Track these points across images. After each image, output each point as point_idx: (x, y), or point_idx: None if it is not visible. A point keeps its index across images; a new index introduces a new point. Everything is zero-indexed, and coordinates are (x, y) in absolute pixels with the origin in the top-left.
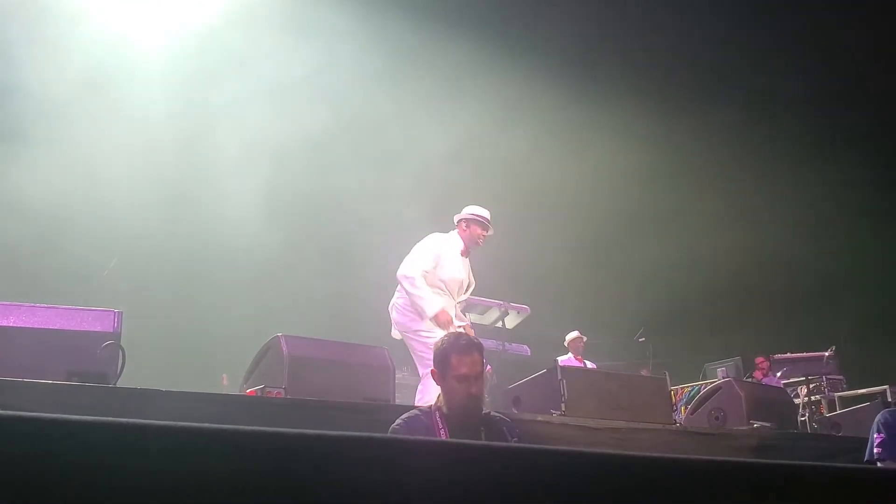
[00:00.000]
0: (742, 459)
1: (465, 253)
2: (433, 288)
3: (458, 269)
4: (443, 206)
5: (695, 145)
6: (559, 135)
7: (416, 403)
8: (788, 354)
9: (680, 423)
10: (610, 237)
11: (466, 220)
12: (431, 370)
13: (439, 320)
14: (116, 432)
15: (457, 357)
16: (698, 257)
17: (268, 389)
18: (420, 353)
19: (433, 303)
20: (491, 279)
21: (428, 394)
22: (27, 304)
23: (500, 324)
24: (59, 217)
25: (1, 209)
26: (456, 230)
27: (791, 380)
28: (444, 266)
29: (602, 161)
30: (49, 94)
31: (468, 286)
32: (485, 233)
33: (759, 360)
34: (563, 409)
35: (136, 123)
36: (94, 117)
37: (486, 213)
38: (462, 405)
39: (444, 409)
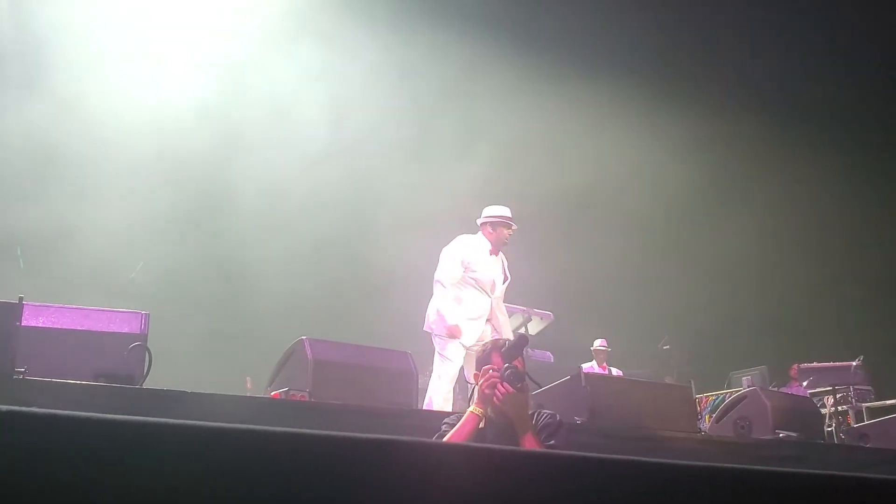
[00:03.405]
0: (769, 468)
1: (493, 252)
2: (468, 286)
3: (490, 269)
4: (468, 209)
5: (723, 153)
6: (584, 141)
7: (425, 407)
8: (815, 364)
9: (705, 432)
10: (634, 243)
11: (491, 223)
12: (474, 374)
13: (451, 332)
14: (137, 430)
15: (497, 355)
16: (724, 264)
17: (292, 392)
18: (437, 355)
19: (452, 316)
20: (514, 285)
21: (430, 398)
22: (56, 305)
23: (523, 330)
24: (86, 218)
25: (30, 210)
26: (481, 232)
27: (817, 389)
28: (475, 268)
29: (627, 168)
30: (68, 101)
31: (503, 281)
32: (510, 231)
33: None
34: (587, 416)
35: (163, 127)
36: (115, 118)
37: (507, 212)
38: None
39: (491, 412)
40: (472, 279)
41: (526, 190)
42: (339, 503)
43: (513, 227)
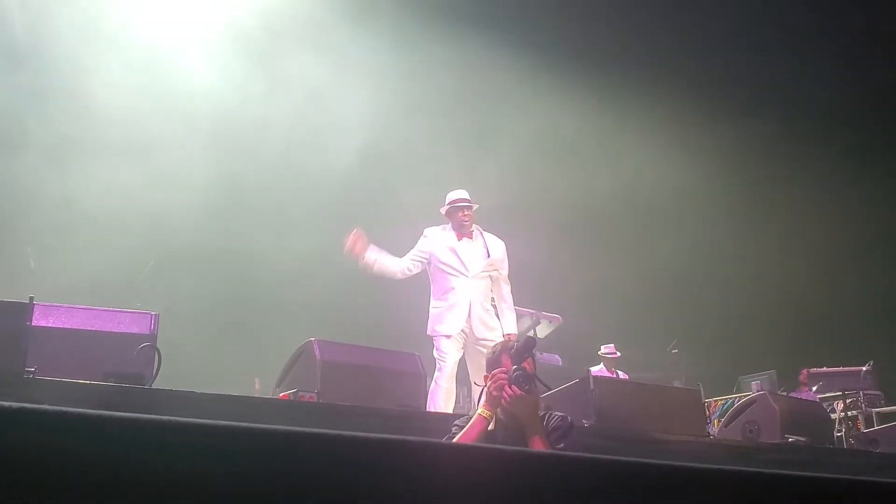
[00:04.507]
0: (778, 472)
1: (462, 236)
2: (444, 276)
3: (456, 251)
4: (480, 213)
5: (731, 158)
6: (597, 147)
7: (428, 409)
8: (825, 369)
9: (713, 436)
10: (644, 247)
11: (447, 211)
12: (484, 376)
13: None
14: (147, 429)
15: (507, 356)
16: (733, 269)
17: (300, 394)
18: (434, 352)
19: (436, 314)
20: (523, 288)
21: (431, 399)
22: (66, 305)
23: (531, 333)
24: (96, 220)
25: (41, 212)
26: (450, 223)
27: (827, 394)
28: (441, 257)
29: (636, 171)
30: (83, 99)
31: (485, 257)
32: (464, 213)
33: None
34: (595, 419)
35: (179, 131)
36: (129, 121)
37: (456, 195)
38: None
39: (501, 414)
40: (440, 265)
41: (537, 195)
42: (345, 502)
43: (468, 208)
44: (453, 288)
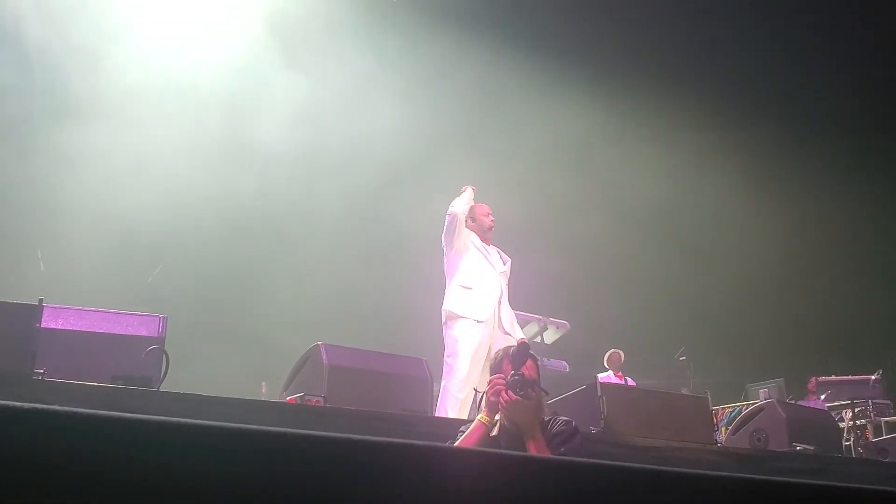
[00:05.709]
0: (786, 479)
1: (485, 241)
2: (477, 258)
3: (485, 249)
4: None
5: (738, 162)
6: (601, 153)
7: (437, 415)
8: (833, 377)
9: (720, 444)
10: (651, 254)
11: (471, 217)
12: (488, 382)
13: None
14: (155, 430)
15: (508, 362)
16: (742, 276)
17: (307, 397)
18: (446, 357)
19: (456, 293)
20: (530, 294)
21: (441, 405)
22: (75, 307)
23: (538, 339)
24: (106, 223)
25: (51, 216)
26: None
27: (836, 403)
28: (475, 242)
29: (640, 179)
30: (95, 102)
31: (503, 266)
32: (491, 217)
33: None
34: (602, 426)
35: (183, 131)
36: (140, 124)
37: (480, 202)
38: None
39: (503, 420)
40: (477, 254)
41: (543, 199)
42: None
43: (489, 211)
44: (485, 275)
